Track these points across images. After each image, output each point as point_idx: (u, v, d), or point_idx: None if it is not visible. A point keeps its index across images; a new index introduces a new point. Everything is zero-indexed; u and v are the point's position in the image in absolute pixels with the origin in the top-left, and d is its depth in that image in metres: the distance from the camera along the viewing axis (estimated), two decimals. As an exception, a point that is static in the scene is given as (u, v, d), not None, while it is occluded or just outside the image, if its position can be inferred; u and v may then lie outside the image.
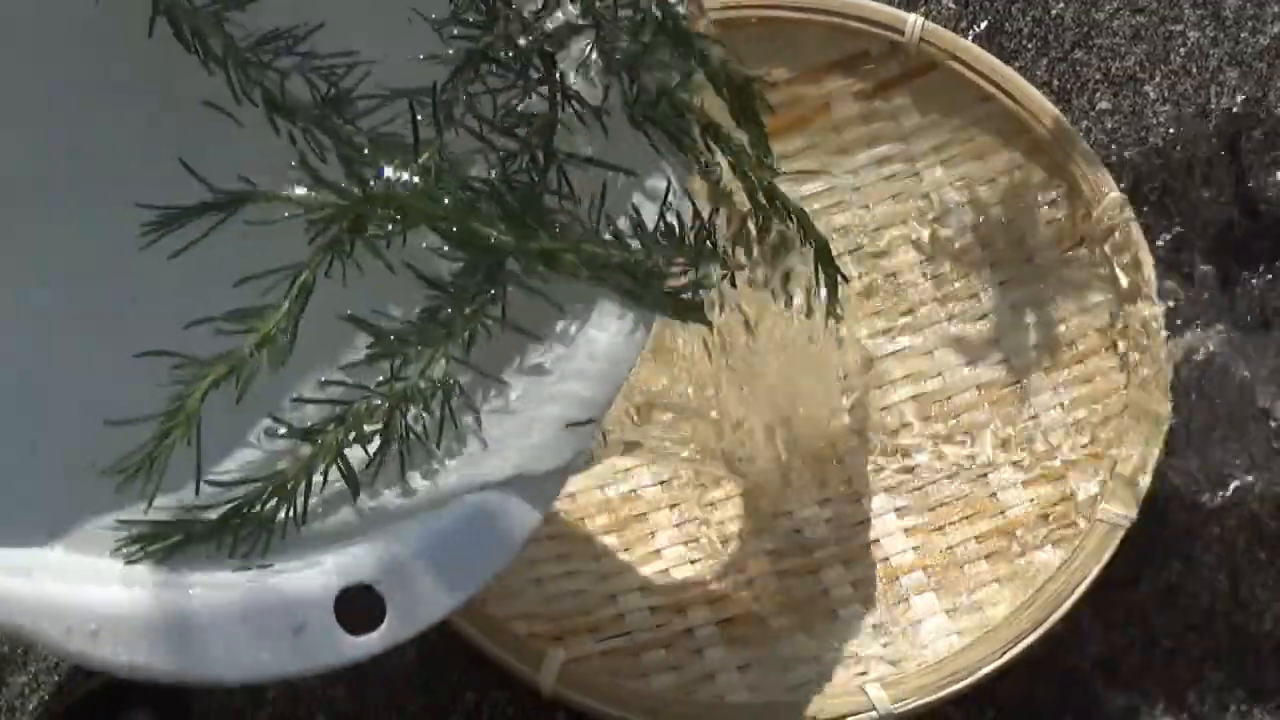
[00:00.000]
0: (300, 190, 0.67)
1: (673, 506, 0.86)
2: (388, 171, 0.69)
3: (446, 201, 0.69)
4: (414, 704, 0.83)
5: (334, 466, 0.67)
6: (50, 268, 0.75)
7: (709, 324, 0.74)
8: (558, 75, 0.71)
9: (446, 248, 0.69)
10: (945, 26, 0.91)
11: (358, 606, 0.65)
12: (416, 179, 0.69)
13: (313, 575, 0.65)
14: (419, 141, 0.69)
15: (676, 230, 0.70)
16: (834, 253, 0.77)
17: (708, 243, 0.71)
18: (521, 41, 0.71)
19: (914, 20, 0.89)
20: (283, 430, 0.68)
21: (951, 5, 0.96)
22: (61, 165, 0.76)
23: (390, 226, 0.68)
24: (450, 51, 0.71)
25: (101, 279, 0.75)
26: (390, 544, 0.66)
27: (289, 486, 0.67)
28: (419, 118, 0.69)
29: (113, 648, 0.61)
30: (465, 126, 0.70)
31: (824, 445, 0.86)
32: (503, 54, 0.71)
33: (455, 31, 0.71)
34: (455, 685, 0.83)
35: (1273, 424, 0.89)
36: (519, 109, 0.71)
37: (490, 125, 0.70)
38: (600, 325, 0.69)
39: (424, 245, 0.70)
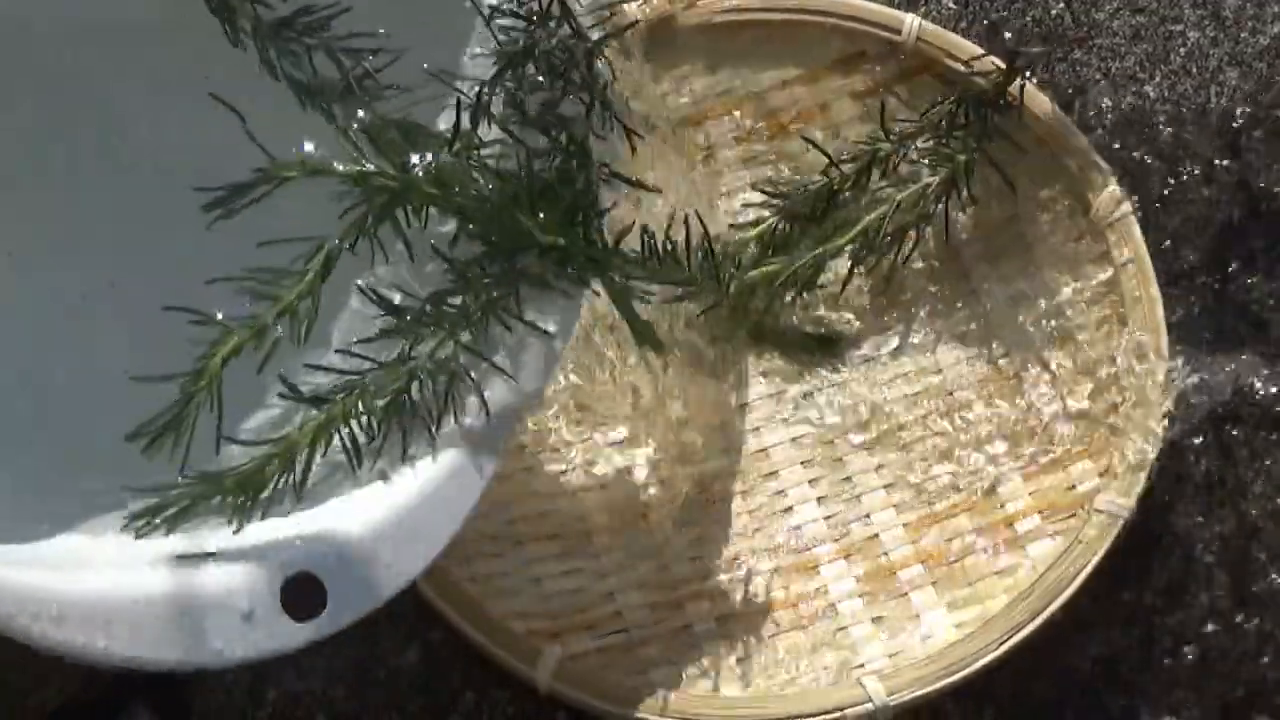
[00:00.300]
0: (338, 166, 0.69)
1: (672, 504, 0.86)
2: (415, 158, 0.70)
3: (489, 191, 0.70)
4: (414, 704, 0.83)
5: (338, 436, 0.70)
6: (41, 252, 0.77)
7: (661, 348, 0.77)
8: (600, 84, 0.72)
9: (465, 236, 0.71)
10: (945, 26, 0.91)
11: (301, 593, 0.67)
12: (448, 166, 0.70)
13: (258, 564, 0.67)
14: (459, 130, 0.70)
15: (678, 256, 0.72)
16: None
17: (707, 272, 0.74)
18: (569, 44, 0.72)
19: (911, 20, 0.90)
20: (297, 393, 0.70)
21: (951, 5, 0.96)
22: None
23: (423, 210, 0.69)
24: (495, 46, 0.72)
25: (81, 264, 0.78)
26: (333, 531, 0.68)
27: (293, 453, 0.69)
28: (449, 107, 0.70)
29: (71, 632, 0.63)
30: (500, 124, 0.71)
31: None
32: (553, 54, 0.71)
33: (505, 27, 0.71)
34: (455, 685, 0.84)
35: (1271, 421, 0.89)
36: (556, 111, 0.72)
37: (527, 122, 0.71)
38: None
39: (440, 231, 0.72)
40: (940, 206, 0.86)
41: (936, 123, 0.87)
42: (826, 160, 0.87)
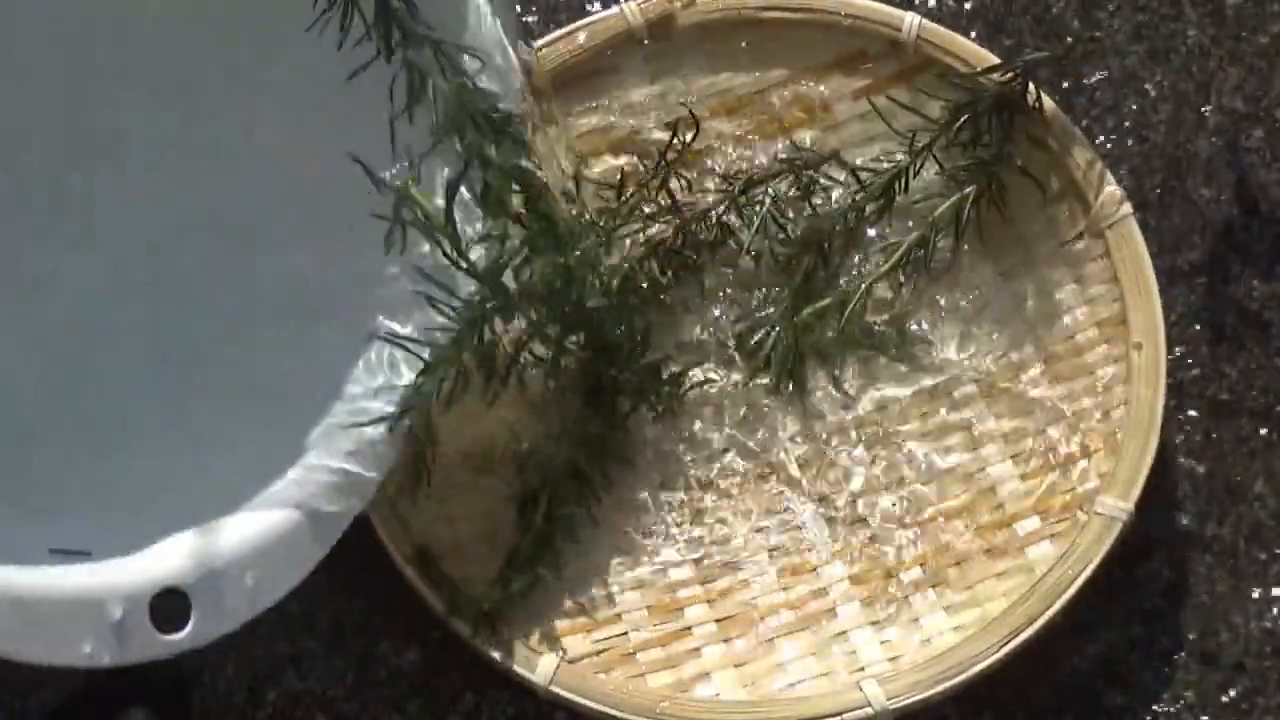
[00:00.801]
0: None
1: (670, 507, 0.86)
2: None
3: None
4: (414, 704, 0.83)
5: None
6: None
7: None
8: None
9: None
10: (946, 25, 0.91)
11: (168, 605, 0.73)
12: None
13: (132, 574, 0.73)
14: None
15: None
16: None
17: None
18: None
19: (911, 19, 0.89)
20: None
21: (952, 3, 0.95)
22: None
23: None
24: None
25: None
26: (203, 549, 0.74)
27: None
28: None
29: None
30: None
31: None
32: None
33: None
34: (455, 685, 0.84)
35: (1271, 421, 0.89)
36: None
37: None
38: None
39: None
40: (971, 212, 0.87)
41: (958, 128, 0.87)
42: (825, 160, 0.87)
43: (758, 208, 0.88)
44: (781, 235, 0.88)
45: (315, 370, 0.81)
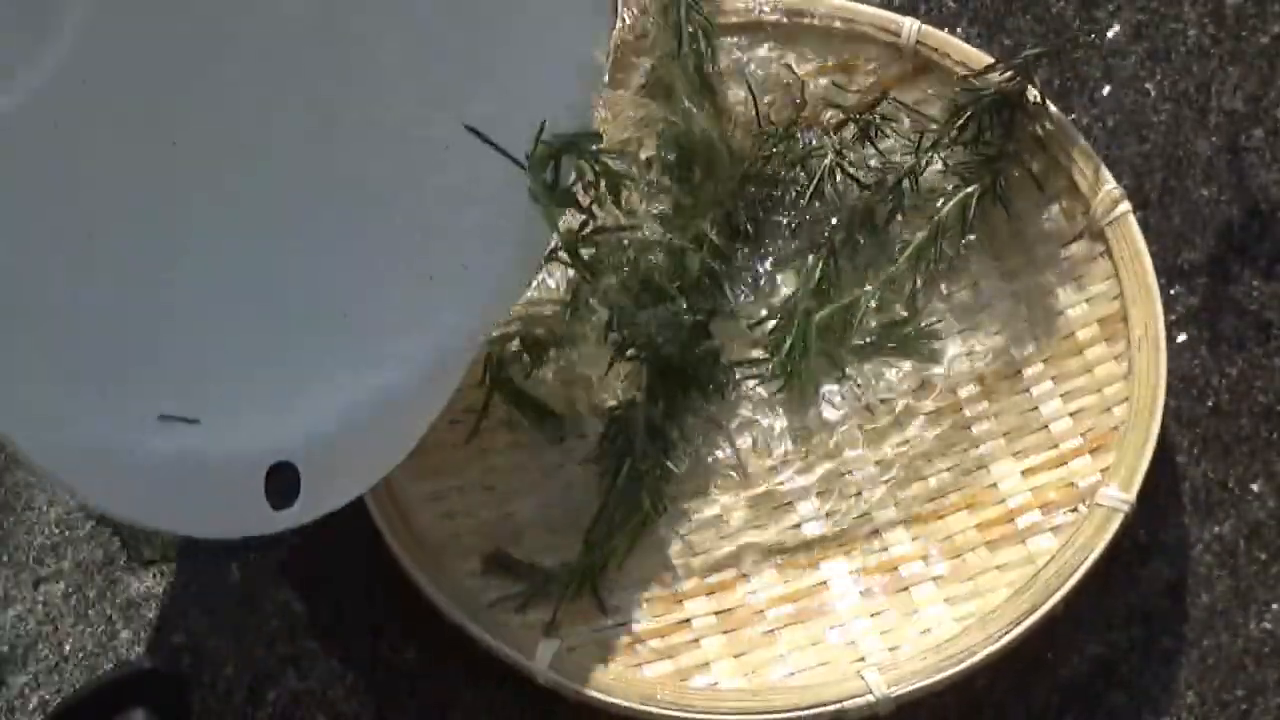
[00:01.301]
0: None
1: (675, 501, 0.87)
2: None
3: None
4: (414, 704, 0.83)
5: None
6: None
7: None
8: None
9: None
10: (946, 27, 0.91)
11: (279, 480, 0.71)
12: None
13: (245, 447, 0.71)
14: None
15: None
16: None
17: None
18: None
19: (910, 24, 0.90)
20: None
21: (952, 5, 0.96)
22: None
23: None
24: None
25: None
26: (313, 421, 0.72)
27: None
28: None
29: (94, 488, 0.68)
30: None
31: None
32: None
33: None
34: (455, 685, 0.84)
35: (1271, 421, 0.88)
36: None
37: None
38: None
39: None
40: (976, 210, 0.87)
41: (960, 128, 0.87)
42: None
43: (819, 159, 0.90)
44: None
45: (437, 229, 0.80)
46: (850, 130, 0.90)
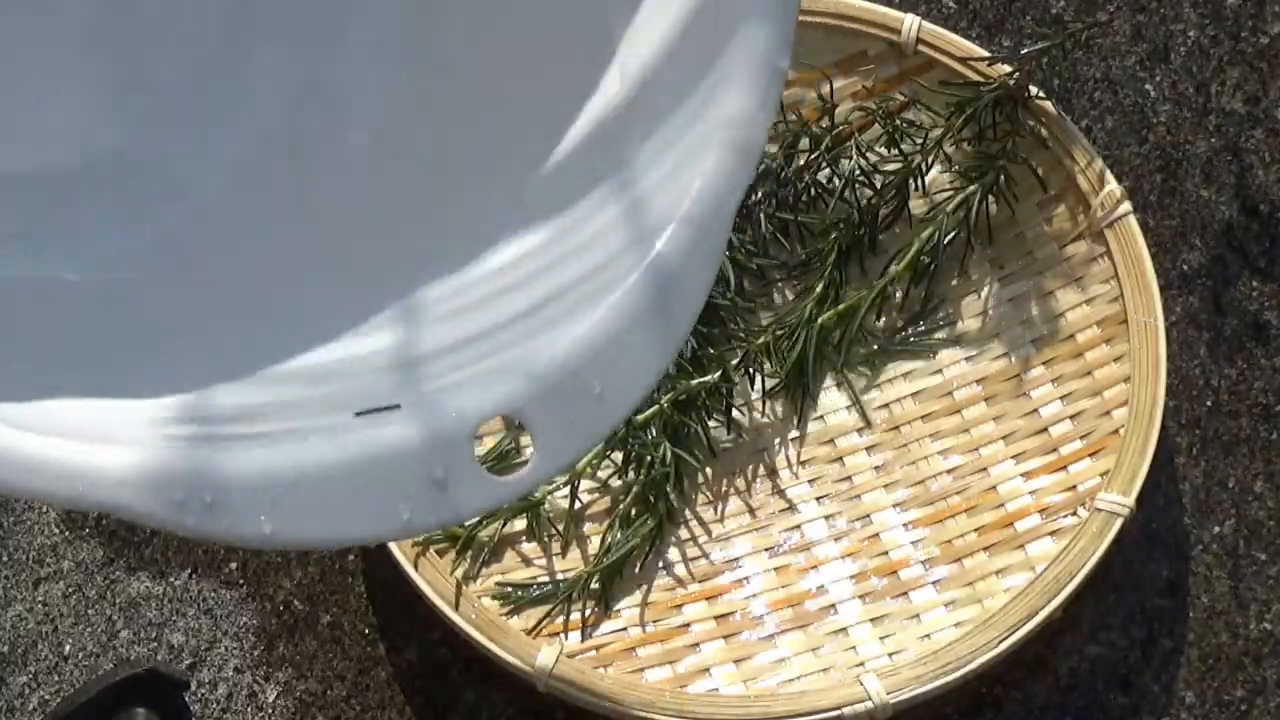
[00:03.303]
0: None
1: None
2: None
3: None
4: (414, 704, 0.83)
5: None
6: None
7: None
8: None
9: None
10: (945, 26, 0.91)
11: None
12: None
13: (444, 411, 0.56)
14: None
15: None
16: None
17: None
18: None
19: (911, 21, 0.90)
20: None
21: (952, 4, 0.96)
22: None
23: None
24: None
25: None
26: (526, 361, 0.57)
27: None
28: None
29: (227, 521, 0.53)
30: None
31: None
32: None
33: None
34: (455, 685, 0.84)
35: (1271, 421, 0.88)
36: None
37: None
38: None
39: None
40: (979, 208, 0.88)
41: (961, 125, 0.88)
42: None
43: (845, 162, 0.90)
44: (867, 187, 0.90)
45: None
46: (874, 132, 0.90)
